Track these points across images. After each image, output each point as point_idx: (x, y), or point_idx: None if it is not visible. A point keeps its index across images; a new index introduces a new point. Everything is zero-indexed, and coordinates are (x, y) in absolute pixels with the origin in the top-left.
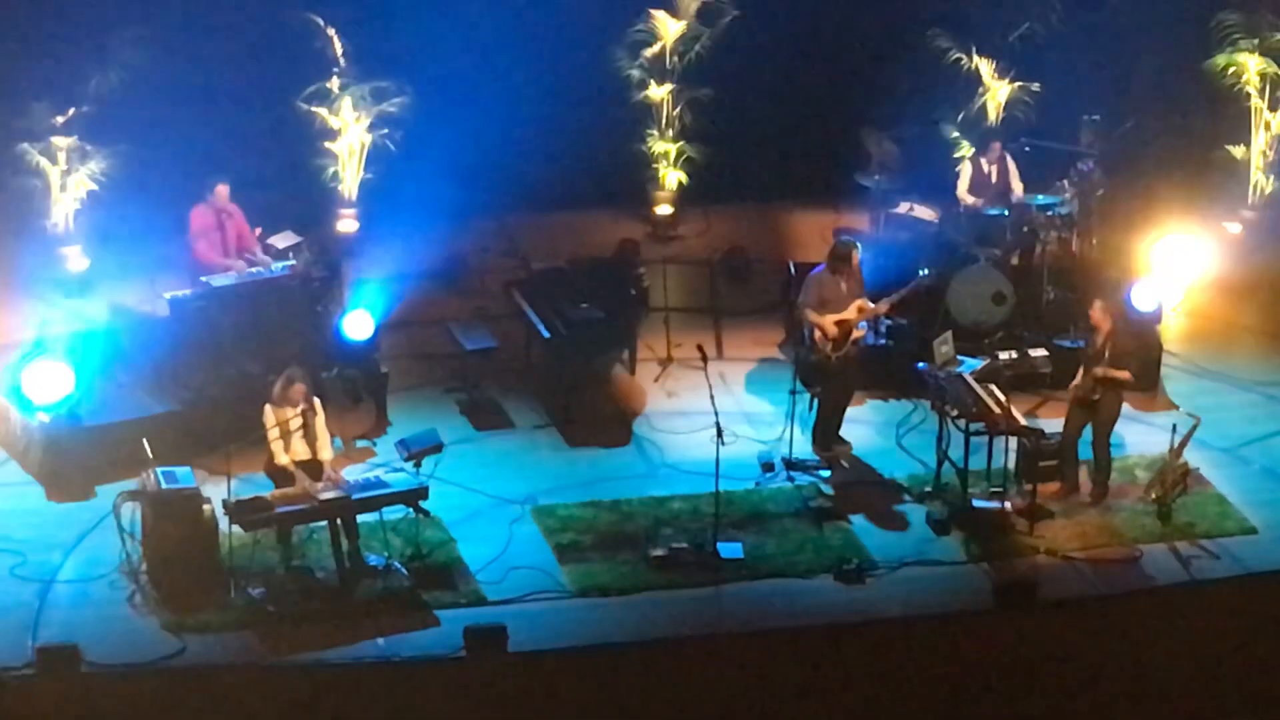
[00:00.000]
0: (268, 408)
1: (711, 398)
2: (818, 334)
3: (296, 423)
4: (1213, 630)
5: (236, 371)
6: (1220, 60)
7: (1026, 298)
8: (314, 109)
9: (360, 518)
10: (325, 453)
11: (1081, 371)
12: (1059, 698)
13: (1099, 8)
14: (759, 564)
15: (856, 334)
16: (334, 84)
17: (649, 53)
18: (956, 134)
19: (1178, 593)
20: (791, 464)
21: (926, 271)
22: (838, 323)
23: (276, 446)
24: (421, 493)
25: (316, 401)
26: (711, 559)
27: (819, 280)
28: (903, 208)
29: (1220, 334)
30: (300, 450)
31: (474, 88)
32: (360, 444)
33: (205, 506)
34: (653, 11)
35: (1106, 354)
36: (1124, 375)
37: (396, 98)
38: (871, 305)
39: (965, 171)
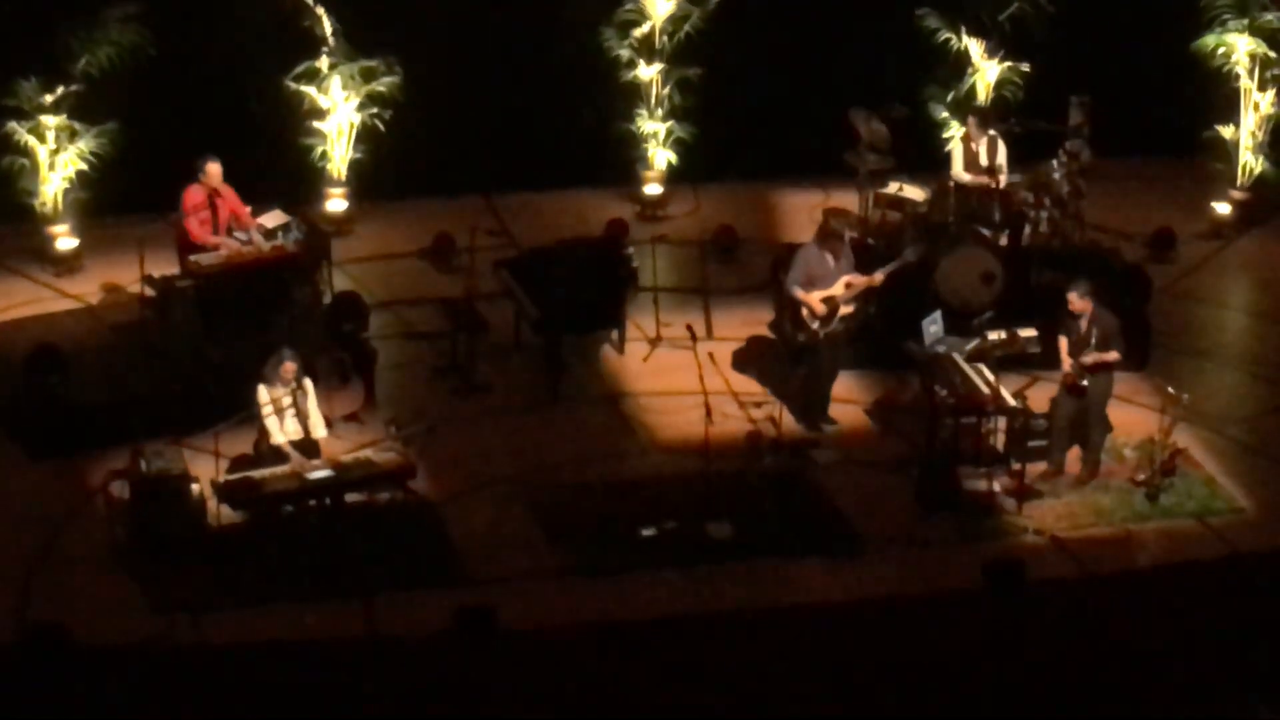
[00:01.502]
0: (261, 387)
1: (700, 377)
2: (804, 311)
3: (287, 401)
4: (1202, 611)
5: (225, 351)
6: (1210, 40)
7: (1015, 278)
8: (303, 88)
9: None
10: (318, 431)
11: (1068, 357)
12: (1047, 678)
13: None
14: (748, 544)
15: (844, 311)
16: (323, 63)
17: (638, 32)
18: (945, 114)
19: (1166, 573)
20: (780, 444)
21: (911, 250)
22: (825, 300)
23: (269, 425)
24: (410, 472)
25: (307, 381)
26: (701, 539)
27: (806, 258)
28: (892, 188)
29: (1209, 315)
30: (292, 429)
31: (463, 67)
32: (349, 423)
33: (194, 486)
34: None
35: (1093, 339)
36: (1113, 357)
37: (386, 77)
38: (859, 279)
39: (957, 151)
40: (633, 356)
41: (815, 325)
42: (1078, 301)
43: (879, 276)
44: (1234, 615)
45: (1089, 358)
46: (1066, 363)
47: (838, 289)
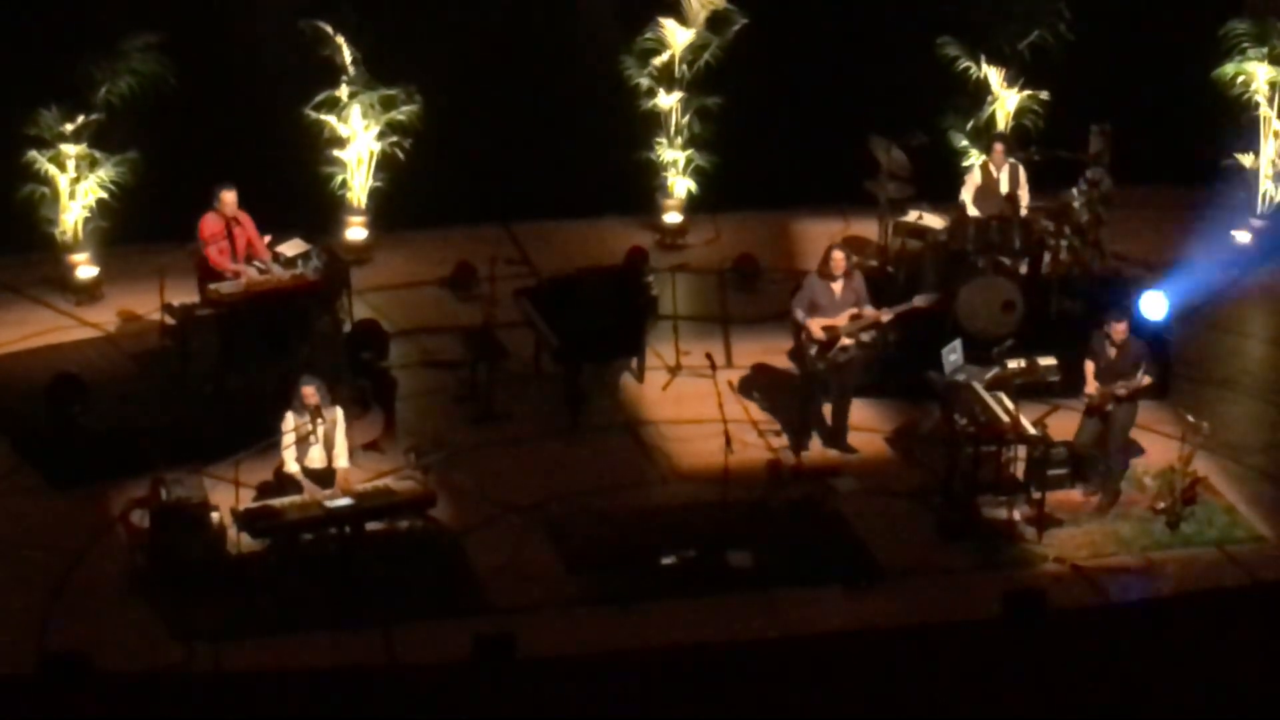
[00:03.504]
0: (288, 414)
1: (720, 405)
2: (803, 336)
3: (310, 428)
4: (1222, 640)
5: (245, 379)
6: (1229, 69)
7: (1035, 307)
8: (323, 117)
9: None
10: (340, 461)
11: (1097, 384)
12: (1067, 707)
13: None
14: (768, 573)
15: (845, 341)
16: (343, 92)
17: (658, 61)
18: (965, 142)
19: (1187, 602)
20: (800, 471)
21: (922, 296)
22: (825, 329)
23: (288, 454)
24: (430, 500)
25: (338, 410)
26: (721, 567)
27: (811, 284)
28: (912, 216)
29: (1230, 343)
30: (315, 457)
31: (483, 96)
32: (369, 452)
33: (214, 514)
34: (662, 20)
35: (1141, 369)
36: (1149, 381)
37: (405, 105)
38: (867, 313)
39: (972, 178)
40: (652, 385)
41: (813, 351)
42: (1118, 330)
43: (886, 315)
44: (1255, 644)
45: (1123, 389)
46: (1092, 386)
47: (840, 319)
